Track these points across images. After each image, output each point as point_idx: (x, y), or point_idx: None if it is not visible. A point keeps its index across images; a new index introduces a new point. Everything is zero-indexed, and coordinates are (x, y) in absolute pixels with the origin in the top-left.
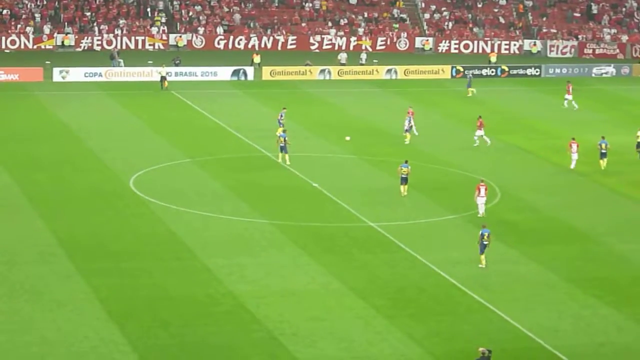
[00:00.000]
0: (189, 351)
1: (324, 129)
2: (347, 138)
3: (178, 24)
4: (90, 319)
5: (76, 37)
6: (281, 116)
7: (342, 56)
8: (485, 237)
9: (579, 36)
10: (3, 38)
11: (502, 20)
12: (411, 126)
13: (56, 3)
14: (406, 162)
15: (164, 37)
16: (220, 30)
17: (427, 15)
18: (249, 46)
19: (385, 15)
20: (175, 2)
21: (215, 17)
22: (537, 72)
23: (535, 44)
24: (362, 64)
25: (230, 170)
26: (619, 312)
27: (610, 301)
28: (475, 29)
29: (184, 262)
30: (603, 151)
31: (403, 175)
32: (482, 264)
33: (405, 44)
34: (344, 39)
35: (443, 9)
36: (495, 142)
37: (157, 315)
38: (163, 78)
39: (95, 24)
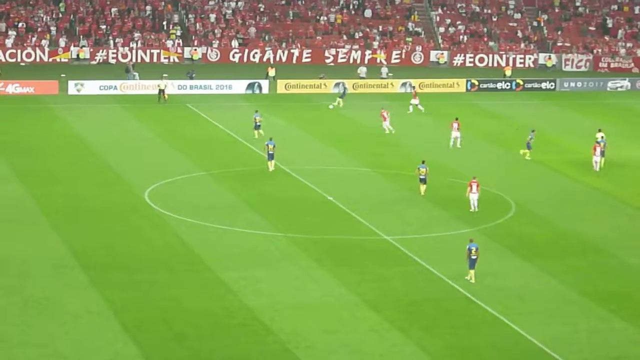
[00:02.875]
0: None
1: (338, 142)
2: (331, 107)
3: (193, 37)
4: (104, 332)
5: (91, 50)
6: (259, 119)
7: (362, 70)
8: (473, 252)
9: (594, 50)
10: (19, 51)
11: (518, 33)
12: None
13: (72, 16)
14: (423, 162)
15: (179, 50)
16: (235, 43)
17: (442, 29)
18: (264, 59)
19: (400, 28)
20: (190, 15)
21: (230, 30)
22: (552, 85)
23: (550, 58)
24: (382, 78)
25: (245, 183)
26: (634, 326)
27: (625, 315)
28: (490, 43)
29: (198, 275)
30: (602, 149)
31: (421, 176)
32: (472, 280)
33: (420, 57)
34: (359, 52)
35: (458, 22)
36: (510, 155)
37: (171, 327)
38: (162, 91)
39: (110, 37)
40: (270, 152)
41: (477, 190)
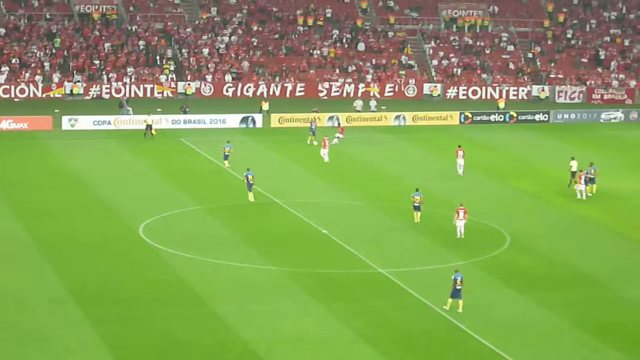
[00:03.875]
0: None
1: (332, 175)
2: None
3: (186, 71)
4: None
5: (85, 85)
6: (229, 149)
7: (358, 103)
8: (458, 282)
9: (587, 82)
10: (12, 87)
11: (510, 66)
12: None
13: (65, 52)
14: (417, 190)
15: (173, 85)
16: (228, 77)
17: (435, 62)
18: (258, 93)
19: (394, 61)
20: (183, 50)
21: (223, 64)
22: (545, 117)
23: (543, 90)
24: (372, 111)
25: (240, 217)
26: (629, 357)
27: (620, 346)
28: (483, 75)
29: (193, 309)
30: (591, 177)
31: (415, 204)
32: (457, 309)
33: (414, 90)
34: (352, 85)
35: (451, 55)
36: (504, 187)
37: None
38: (149, 126)
39: (104, 72)
40: (250, 182)
41: (465, 217)
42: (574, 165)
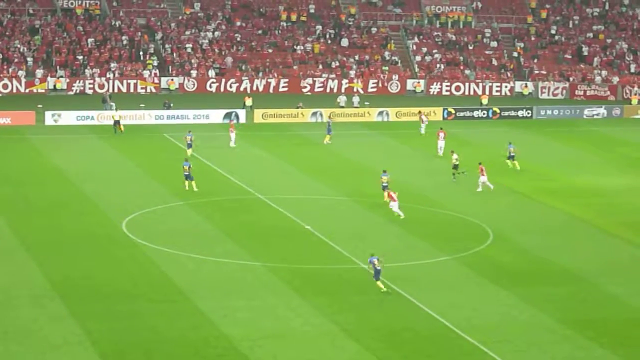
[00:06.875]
0: None
1: (315, 171)
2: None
3: (170, 67)
4: None
5: (68, 80)
6: (190, 139)
7: (342, 99)
8: (376, 263)
9: (570, 78)
10: None
11: (493, 62)
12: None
13: (48, 47)
14: (385, 171)
15: (156, 81)
16: (212, 73)
17: (418, 58)
18: (241, 89)
19: (377, 57)
20: (167, 46)
21: (207, 60)
22: (528, 113)
23: (526, 86)
24: (355, 107)
25: (223, 213)
26: (613, 354)
27: (604, 342)
28: (466, 71)
29: (177, 305)
30: (512, 154)
31: (384, 184)
32: (383, 288)
33: (397, 86)
34: (336, 81)
35: (434, 51)
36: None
37: (150, 358)
38: (117, 122)
39: (87, 67)
40: (185, 173)
41: (396, 197)
42: (456, 158)
